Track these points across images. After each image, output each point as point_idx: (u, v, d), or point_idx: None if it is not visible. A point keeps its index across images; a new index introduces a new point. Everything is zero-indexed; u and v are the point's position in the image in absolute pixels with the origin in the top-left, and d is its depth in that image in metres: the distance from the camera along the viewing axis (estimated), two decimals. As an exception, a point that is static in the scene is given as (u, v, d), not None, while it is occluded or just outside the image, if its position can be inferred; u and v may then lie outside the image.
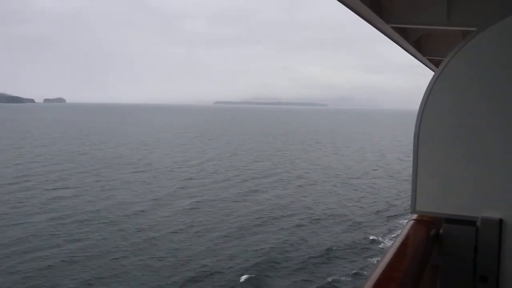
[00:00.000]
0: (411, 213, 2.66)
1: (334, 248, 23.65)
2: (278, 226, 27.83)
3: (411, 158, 2.63)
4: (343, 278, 19.83)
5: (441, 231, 2.60)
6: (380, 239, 25.53)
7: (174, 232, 26.44)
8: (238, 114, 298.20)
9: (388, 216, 31.03)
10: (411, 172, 2.62)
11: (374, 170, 51.93)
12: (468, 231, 2.53)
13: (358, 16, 6.66)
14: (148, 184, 40.68)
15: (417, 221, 2.57)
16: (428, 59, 11.55)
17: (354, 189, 40.46)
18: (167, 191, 37.61)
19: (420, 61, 12.47)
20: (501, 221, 2.40)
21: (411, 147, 2.62)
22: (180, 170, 48.78)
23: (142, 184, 40.79)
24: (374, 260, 21.41)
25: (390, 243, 2.71)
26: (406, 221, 2.66)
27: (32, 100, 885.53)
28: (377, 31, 7.76)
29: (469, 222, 2.51)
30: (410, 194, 2.64)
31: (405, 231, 2.36)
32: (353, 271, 20.51)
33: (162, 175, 45.47)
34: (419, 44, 9.90)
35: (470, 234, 2.51)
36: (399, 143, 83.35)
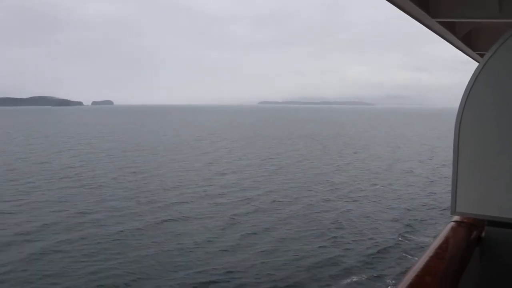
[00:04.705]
0: (451, 214, 2.53)
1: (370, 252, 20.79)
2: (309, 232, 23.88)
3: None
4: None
5: (483, 234, 2.51)
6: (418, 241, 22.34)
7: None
8: (292, 114, 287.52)
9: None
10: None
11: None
12: None
13: (402, 12, 6.10)
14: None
15: (457, 223, 2.43)
16: (479, 54, 10.23)
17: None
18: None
19: (471, 57, 11.01)
20: None
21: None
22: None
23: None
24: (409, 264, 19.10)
25: (427, 246, 2.15)
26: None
27: (80, 103, 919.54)
28: (422, 27, 7.23)
29: None
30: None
31: (444, 233, 2.25)
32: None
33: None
34: (469, 38, 9.15)
35: None
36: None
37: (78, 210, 28.64)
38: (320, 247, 21.62)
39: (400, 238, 22.75)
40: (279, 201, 30.78)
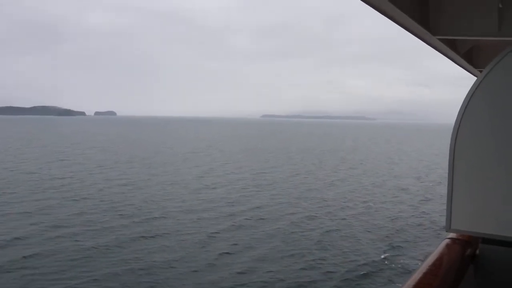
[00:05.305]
0: (446, 231, 2.50)
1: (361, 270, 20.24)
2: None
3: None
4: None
5: (477, 251, 2.49)
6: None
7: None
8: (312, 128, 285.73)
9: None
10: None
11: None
12: (508, 253, 2.36)
13: (403, 29, 5.99)
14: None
15: (452, 240, 2.42)
16: (480, 71, 9.47)
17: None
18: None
19: (473, 74, 10.83)
20: None
21: None
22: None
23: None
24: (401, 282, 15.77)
25: (421, 263, 2.10)
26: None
27: (83, 113, 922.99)
28: (423, 43, 6.99)
29: (510, 243, 2.34)
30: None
31: (438, 250, 2.22)
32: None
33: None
34: (470, 56, 9.13)
35: (510, 256, 2.33)
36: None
37: (54, 224, 27.51)
38: (300, 269, 20.41)
39: (386, 262, 21.48)
40: (264, 218, 29.57)
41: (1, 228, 26.40)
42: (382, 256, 22.06)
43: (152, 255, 21.71)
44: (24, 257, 21.28)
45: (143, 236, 24.85)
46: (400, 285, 1.76)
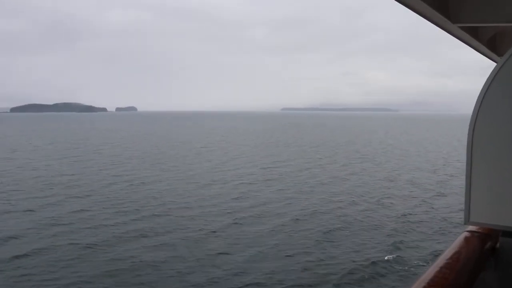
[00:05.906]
0: (464, 224, 2.48)
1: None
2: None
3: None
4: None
5: (498, 245, 2.45)
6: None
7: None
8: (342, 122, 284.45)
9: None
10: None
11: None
12: None
13: (422, 18, 5.85)
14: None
15: (470, 233, 2.39)
16: None
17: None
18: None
19: (496, 62, 6.38)
20: None
21: None
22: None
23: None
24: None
25: (437, 256, 2.09)
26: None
27: (104, 109, 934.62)
28: (444, 32, 6.77)
29: None
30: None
31: (456, 243, 2.21)
32: None
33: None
34: (493, 43, 8.66)
35: None
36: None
37: (53, 221, 27.03)
38: (304, 270, 19.24)
39: (394, 263, 20.13)
40: (269, 215, 28.43)
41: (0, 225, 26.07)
42: (389, 257, 20.73)
43: (150, 254, 20.89)
44: (16, 256, 20.75)
45: (140, 235, 24.08)
46: (415, 279, 1.65)
